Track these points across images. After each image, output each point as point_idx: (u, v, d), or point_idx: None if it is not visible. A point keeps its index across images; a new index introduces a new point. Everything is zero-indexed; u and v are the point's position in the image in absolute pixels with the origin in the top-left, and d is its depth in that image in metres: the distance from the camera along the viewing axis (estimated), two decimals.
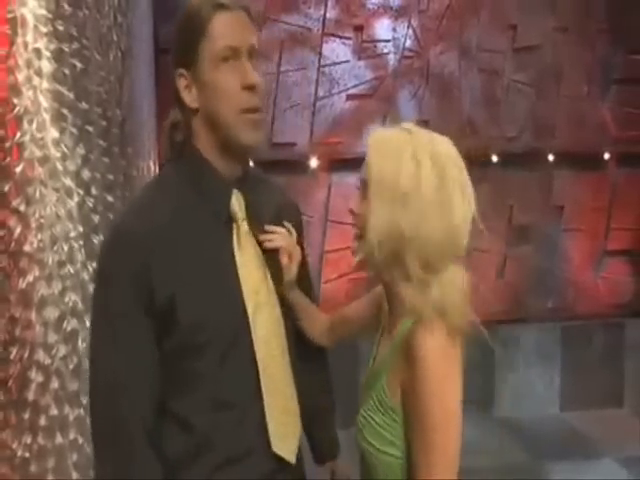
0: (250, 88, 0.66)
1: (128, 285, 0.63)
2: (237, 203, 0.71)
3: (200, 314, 0.66)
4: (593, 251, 2.92)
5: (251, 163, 3.05)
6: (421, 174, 0.66)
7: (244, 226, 0.71)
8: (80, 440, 1.36)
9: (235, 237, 0.70)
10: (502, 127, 2.75)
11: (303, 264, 0.84)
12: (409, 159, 0.66)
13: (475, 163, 3.08)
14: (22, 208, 1.30)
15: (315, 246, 2.66)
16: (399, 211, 0.65)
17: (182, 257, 0.66)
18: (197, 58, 0.65)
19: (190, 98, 0.67)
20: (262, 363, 0.69)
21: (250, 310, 0.68)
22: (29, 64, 1.29)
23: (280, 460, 0.72)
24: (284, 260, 0.77)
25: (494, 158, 2.72)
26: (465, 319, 0.70)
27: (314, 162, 2.61)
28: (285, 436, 0.72)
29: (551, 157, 2.78)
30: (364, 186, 0.69)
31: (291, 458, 0.73)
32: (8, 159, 1.29)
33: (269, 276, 0.72)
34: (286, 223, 0.78)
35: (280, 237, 0.78)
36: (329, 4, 2.54)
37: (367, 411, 0.72)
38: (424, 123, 2.69)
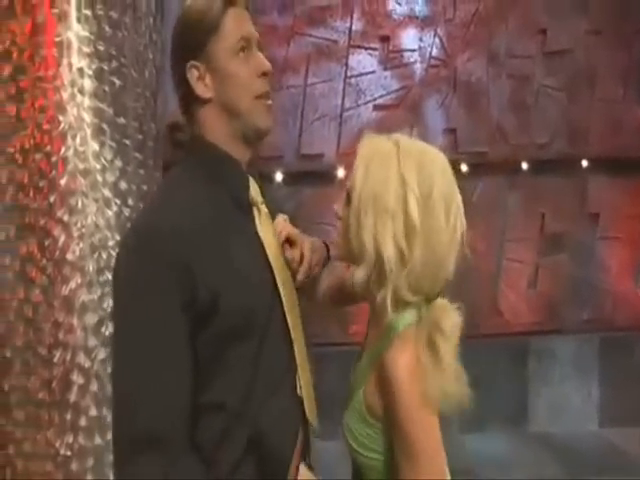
0: (265, 74, 0.70)
1: (168, 287, 0.62)
2: (254, 189, 0.74)
3: (242, 298, 0.67)
4: (632, 260, 2.81)
5: (280, 175, 3.07)
6: (407, 196, 0.65)
7: (264, 209, 0.75)
8: None
9: (257, 219, 0.73)
10: (533, 134, 2.70)
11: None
12: (396, 176, 0.66)
13: (505, 171, 3.03)
14: (65, 218, 1.37)
15: None
16: (386, 230, 0.65)
17: (216, 247, 0.66)
18: (210, 51, 0.68)
19: (204, 89, 0.69)
20: (293, 332, 0.73)
21: (280, 283, 0.72)
22: (73, 83, 1.38)
23: (304, 426, 0.77)
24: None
25: (524, 165, 2.67)
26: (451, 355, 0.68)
27: (341, 172, 2.64)
28: (310, 401, 0.77)
29: (585, 163, 2.71)
30: (349, 194, 0.69)
31: (315, 423, 0.77)
32: (54, 172, 1.37)
33: (284, 260, 0.77)
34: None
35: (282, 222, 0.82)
36: (355, 16, 2.58)
37: (348, 416, 0.74)
38: (452, 132, 2.69)
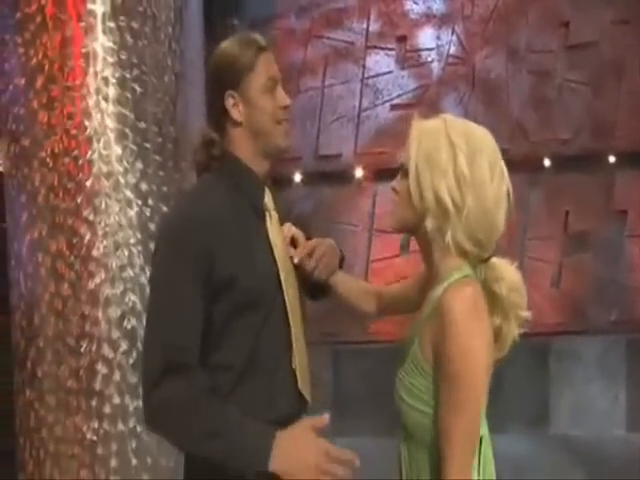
0: (286, 107, 0.90)
1: (192, 264, 0.81)
2: (267, 197, 0.92)
3: (252, 283, 0.84)
4: None
5: (299, 175, 3.12)
6: (456, 154, 0.75)
7: (274, 214, 0.92)
8: (139, 429, 1.50)
9: (268, 223, 0.91)
10: (555, 129, 2.65)
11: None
12: (445, 140, 0.76)
13: (526, 168, 2.99)
14: (91, 217, 1.48)
15: (360, 256, 2.70)
16: (441, 182, 0.75)
17: (234, 240, 0.85)
18: (245, 85, 0.88)
19: (238, 114, 0.88)
20: (292, 318, 0.88)
21: (283, 277, 0.89)
22: (98, 91, 1.48)
23: (300, 402, 0.89)
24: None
25: (546, 162, 2.62)
26: (517, 304, 0.77)
27: (359, 172, 2.67)
28: (305, 379, 0.90)
29: (612, 158, 2.63)
30: (404, 169, 0.79)
31: (308, 397, 0.91)
32: (81, 175, 1.48)
33: (289, 258, 0.93)
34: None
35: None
36: (372, 17, 2.61)
37: (403, 373, 0.80)
38: None
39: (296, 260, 0.91)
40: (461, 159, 0.74)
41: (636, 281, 2.69)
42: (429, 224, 0.76)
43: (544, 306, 2.68)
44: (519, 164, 2.79)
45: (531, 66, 2.62)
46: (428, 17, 2.61)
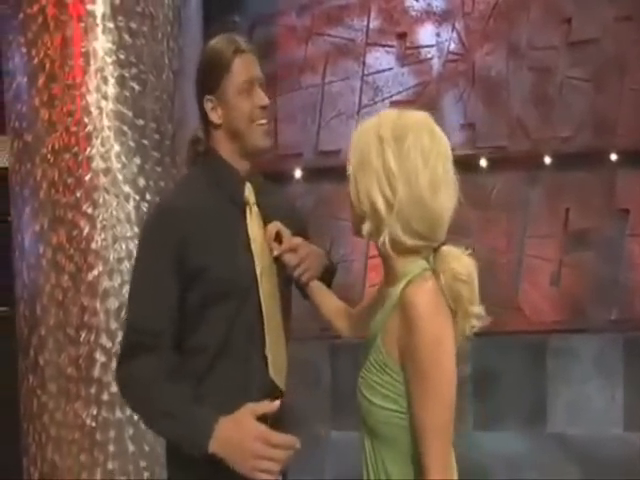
0: (262, 107, 0.92)
1: (166, 251, 0.86)
2: (249, 192, 0.94)
3: (224, 274, 0.88)
4: None
5: (299, 171, 3.14)
6: (384, 148, 0.74)
7: (254, 209, 0.94)
8: (135, 417, 1.55)
9: (248, 217, 0.93)
10: (556, 127, 2.65)
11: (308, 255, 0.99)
12: (374, 137, 0.75)
13: (526, 166, 2.97)
14: (90, 211, 1.53)
15: (359, 251, 2.73)
16: (373, 183, 0.75)
17: (209, 231, 0.88)
18: (222, 88, 0.90)
19: (216, 117, 0.91)
20: (266, 312, 0.92)
21: (258, 272, 0.91)
22: (98, 89, 1.54)
23: (273, 388, 0.92)
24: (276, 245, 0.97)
25: (547, 160, 2.62)
26: (467, 295, 0.75)
27: None
28: (278, 368, 0.93)
29: (614, 156, 2.61)
30: (348, 173, 0.79)
31: (282, 386, 0.94)
32: (80, 171, 1.53)
33: (269, 252, 0.96)
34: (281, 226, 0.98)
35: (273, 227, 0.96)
36: (372, 14, 2.62)
37: (365, 371, 0.80)
38: (470, 126, 2.67)
39: (275, 253, 0.93)
40: (388, 154, 0.73)
41: (636, 280, 2.68)
42: (365, 228, 0.75)
43: (543, 304, 2.69)
44: (519, 161, 2.80)
45: (532, 63, 2.61)
46: (428, 14, 2.61)
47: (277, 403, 0.78)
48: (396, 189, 0.73)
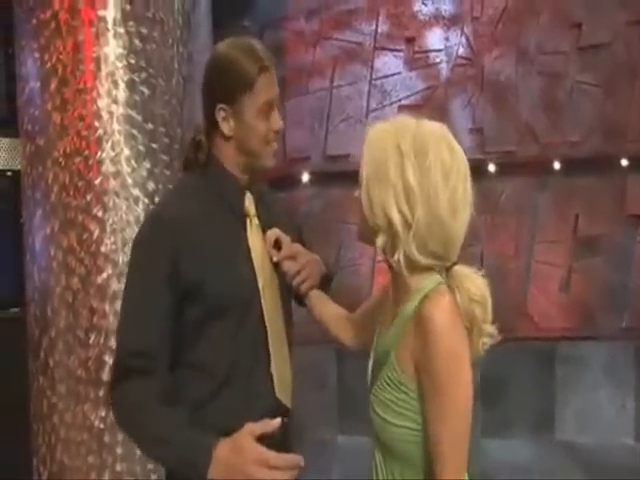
0: (278, 132, 0.89)
1: (160, 264, 0.82)
2: (249, 202, 0.91)
3: (223, 287, 0.84)
4: None
5: (307, 175, 3.13)
6: (404, 163, 0.71)
7: (255, 220, 0.91)
8: None
9: (249, 229, 0.90)
10: (565, 132, 2.63)
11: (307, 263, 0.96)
12: (393, 149, 0.72)
13: (535, 171, 2.94)
14: (100, 215, 1.55)
15: (367, 256, 2.73)
16: (390, 198, 0.72)
17: (205, 243, 0.84)
18: (241, 103, 0.85)
19: (227, 128, 0.86)
20: (269, 326, 0.88)
21: (260, 285, 0.88)
22: (109, 93, 1.55)
23: (279, 408, 0.88)
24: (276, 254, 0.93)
25: (556, 165, 2.60)
26: (481, 310, 0.74)
27: None
28: (283, 385, 0.90)
29: (624, 162, 2.58)
30: (360, 180, 0.76)
31: (288, 404, 0.91)
32: (91, 174, 1.55)
33: (270, 264, 0.92)
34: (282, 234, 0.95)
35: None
36: (380, 18, 2.63)
37: (378, 389, 0.78)
38: (478, 131, 2.66)
39: (274, 259, 0.90)
40: (409, 171, 0.70)
41: None
42: (379, 242, 0.73)
43: (552, 311, 2.66)
44: (528, 166, 2.78)
45: (541, 68, 2.60)
46: (437, 18, 2.61)
47: (278, 421, 0.74)
48: (415, 208, 0.71)
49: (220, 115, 0.85)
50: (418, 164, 0.71)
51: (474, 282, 0.75)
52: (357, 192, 0.77)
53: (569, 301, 2.66)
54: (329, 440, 2.52)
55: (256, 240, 0.89)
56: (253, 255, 0.88)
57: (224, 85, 0.85)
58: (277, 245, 0.92)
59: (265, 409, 0.85)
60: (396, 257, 0.73)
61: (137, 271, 0.84)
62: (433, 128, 0.75)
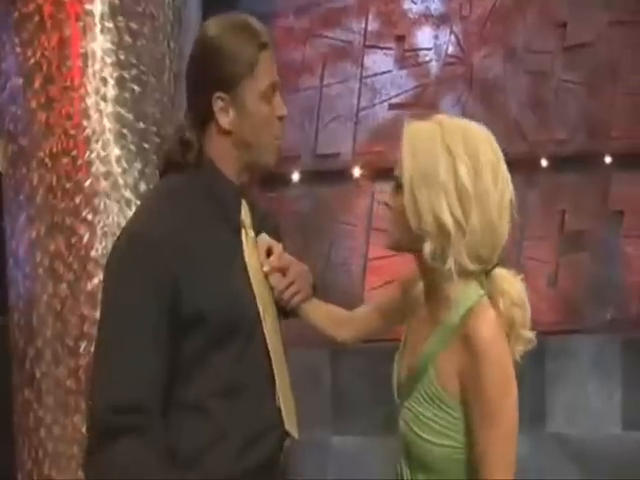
0: (282, 118, 0.76)
1: (151, 291, 0.67)
2: (244, 212, 0.79)
3: (226, 315, 0.72)
4: None
5: (297, 174, 3.11)
6: (456, 164, 0.68)
7: (250, 233, 0.80)
8: None
9: (244, 242, 0.78)
10: (552, 130, 2.67)
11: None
12: (442, 149, 0.69)
13: (523, 168, 3.00)
14: (90, 218, 1.48)
15: (358, 254, 2.72)
16: (441, 201, 0.68)
17: (206, 265, 0.71)
18: (241, 89, 0.73)
19: (227, 120, 0.73)
20: (273, 353, 0.78)
21: (261, 309, 0.77)
22: (97, 91, 1.48)
23: (284, 438, 0.79)
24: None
25: (544, 162, 2.64)
26: (522, 317, 0.72)
27: (357, 171, 2.67)
28: (290, 415, 0.80)
29: (608, 159, 2.64)
30: (398, 182, 0.72)
31: (296, 435, 0.81)
32: (79, 175, 1.48)
33: (264, 280, 0.82)
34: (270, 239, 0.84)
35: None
36: (370, 16, 2.61)
37: (413, 405, 0.74)
38: None
39: (265, 268, 0.79)
40: (463, 170, 0.67)
41: (632, 281, 2.72)
42: (427, 248, 0.68)
43: (540, 305, 2.70)
44: (516, 164, 2.80)
45: (529, 66, 2.63)
46: (426, 17, 2.61)
47: None
48: (469, 211, 0.67)
49: (217, 105, 0.72)
50: (472, 165, 0.68)
51: (514, 286, 0.73)
52: (389, 198, 0.73)
53: (557, 296, 2.71)
54: (323, 441, 2.50)
55: (252, 255, 0.78)
56: (251, 274, 0.77)
57: (220, 70, 0.72)
58: (268, 254, 0.83)
59: (274, 447, 0.77)
60: (449, 264, 0.69)
61: (120, 307, 0.67)
62: (479, 129, 0.73)
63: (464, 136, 0.70)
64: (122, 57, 1.49)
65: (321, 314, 0.92)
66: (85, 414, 0.75)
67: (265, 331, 0.77)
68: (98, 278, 1.48)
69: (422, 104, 2.62)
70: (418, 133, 0.71)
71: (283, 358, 0.82)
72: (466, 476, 0.71)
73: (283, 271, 0.83)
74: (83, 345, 1.49)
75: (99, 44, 1.48)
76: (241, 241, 0.78)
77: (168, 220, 0.71)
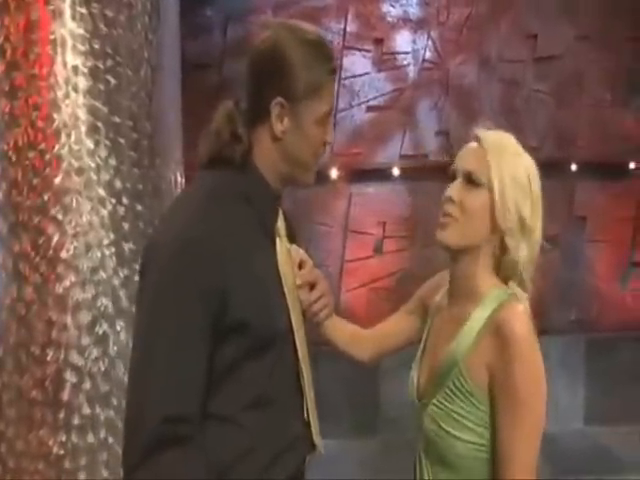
0: (329, 144, 0.80)
1: (198, 302, 0.67)
2: (280, 221, 0.81)
3: (267, 323, 0.73)
4: (618, 263, 2.86)
5: None
6: (530, 173, 0.80)
7: (285, 243, 0.81)
8: (110, 440, 1.41)
9: (279, 251, 0.79)
10: (523, 137, 2.73)
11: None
12: (520, 159, 0.81)
13: None
14: (60, 216, 1.37)
15: (335, 256, 2.69)
16: (526, 203, 0.78)
17: (249, 275, 0.72)
18: (303, 105, 0.74)
19: (280, 127, 0.74)
20: (302, 361, 0.79)
21: (293, 317, 0.78)
22: (68, 81, 1.38)
23: (310, 451, 0.81)
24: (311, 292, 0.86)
25: None
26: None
27: (335, 173, 2.65)
28: (317, 428, 0.81)
29: (573, 167, 2.75)
30: (473, 180, 0.77)
31: (322, 448, 0.81)
32: (48, 170, 1.37)
33: (295, 291, 0.82)
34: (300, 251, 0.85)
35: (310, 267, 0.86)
36: (349, 18, 2.59)
37: (442, 400, 0.75)
38: (444, 134, 2.71)
39: (298, 281, 0.80)
40: (535, 178, 0.79)
41: (594, 284, 2.84)
42: (512, 242, 0.76)
43: None
44: None
45: (502, 75, 2.69)
46: (405, 21, 2.62)
47: None
48: (535, 218, 0.79)
49: (275, 110, 0.72)
50: (536, 174, 0.80)
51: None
52: (455, 193, 0.76)
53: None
54: None
55: (285, 265, 0.78)
56: (284, 281, 0.77)
57: (289, 79, 0.72)
58: (299, 266, 0.84)
59: (299, 460, 0.77)
60: (518, 257, 0.77)
61: (167, 317, 0.65)
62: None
63: (529, 160, 0.82)
64: (96, 46, 1.39)
65: (343, 333, 0.94)
66: (123, 428, 0.69)
67: (297, 343, 0.77)
68: (69, 280, 1.38)
69: (400, 108, 2.64)
70: (498, 141, 0.81)
71: (310, 370, 0.82)
72: (489, 477, 0.71)
73: (312, 285, 0.84)
74: (51, 352, 1.38)
75: (70, 30, 1.37)
76: (275, 250, 0.78)
77: (216, 225, 0.70)
